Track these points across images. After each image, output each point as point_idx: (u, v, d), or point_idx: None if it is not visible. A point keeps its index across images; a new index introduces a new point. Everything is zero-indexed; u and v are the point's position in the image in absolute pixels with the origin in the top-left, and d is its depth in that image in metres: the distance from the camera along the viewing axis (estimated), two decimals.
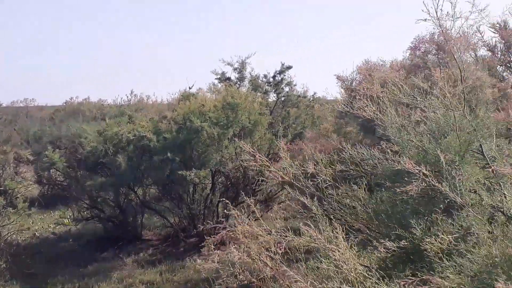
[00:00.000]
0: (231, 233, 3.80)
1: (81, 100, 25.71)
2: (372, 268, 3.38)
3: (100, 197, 12.80)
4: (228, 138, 12.15)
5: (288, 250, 4.00)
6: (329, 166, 3.94)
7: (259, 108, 12.71)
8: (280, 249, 3.88)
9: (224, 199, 9.96)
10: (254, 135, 12.42)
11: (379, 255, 3.63)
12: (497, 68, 9.12)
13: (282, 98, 14.91)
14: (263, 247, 4.03)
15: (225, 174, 12.67)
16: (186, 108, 12.16)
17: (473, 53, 8.43)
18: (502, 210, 3.38)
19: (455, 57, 3.61)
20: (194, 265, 4.13)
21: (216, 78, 14.36)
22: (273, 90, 14.76)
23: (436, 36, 8.14)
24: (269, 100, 14.88)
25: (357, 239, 3.67)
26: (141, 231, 13.36)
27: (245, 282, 4.08)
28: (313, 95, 16.47)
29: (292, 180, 3.91)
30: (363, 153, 3.83)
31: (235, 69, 14.18)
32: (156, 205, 13.63)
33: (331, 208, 3.79)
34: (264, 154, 9.42)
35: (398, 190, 3.33)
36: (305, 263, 3.53)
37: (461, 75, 3.58)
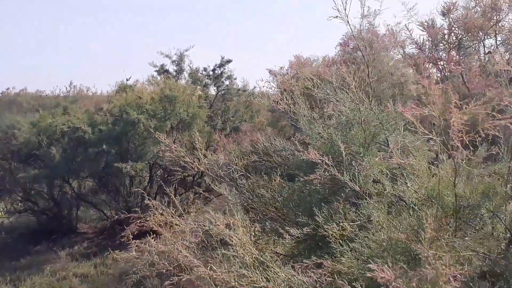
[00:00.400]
0: (145, 222, 3.85)
1: (17, 91, 24.78)
2: (280, 254, 3.52)
3: (33, 189, 12.50)
4: (166, 130, 12.11)
5: (205, 239, 4.08)
6: (242, 157, 4.06)
7: (197, 101, 12.72)
8: (196, 238, 3.96)
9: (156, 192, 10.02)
10: (192, 128, 12.41)
11: (290, 242, 3.77)
12: (425, 65, 9.48)
13: (222, 92, 14.97)
14: (180, 236, 4.10)
15: (162, 166, 12.63)
16: (123, 100, 12.05)
17: (401, 50, 8.75)
18: (403, 199, 3.58)
19: (363, 54, 3.79)
20: (112, 255, 4.13)
21: (155, 71, 14.29)
22: (213, 84, 14.81)
23: (363, 34, 8.40)
24: (209, 93, 14.93)
25: (269, 227, 3.80)
26: (76, 224, 13.15)
27: (163, 270, 4.14)
28: (253, 89, 16.63)
29: (206, 170, 4.01)
30: (276, 145, 3.97)
31: (173, 61, 14.15)
32: (92, 198, 13.43)
33: (244, 197, 3.90)
34: (203, 147, 9.48)
35: (302, 179, 3.48)
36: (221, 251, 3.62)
37: (368, 71, 3.75)
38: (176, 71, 14.16)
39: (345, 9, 3.68)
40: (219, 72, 14.65)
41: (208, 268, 2.84)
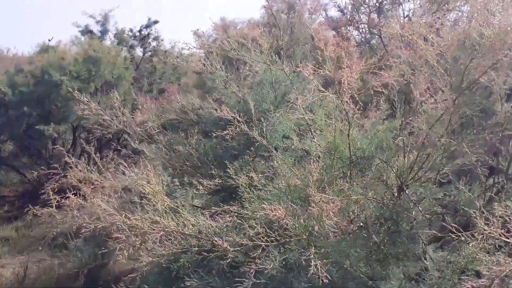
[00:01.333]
0: (65, 179, 4.00)
1: None
2: (198, 207, 3.79)
3: None
4: (90, 92, 11.98)
5: (124, 195, 4.29)
6: (160, 115, 4.26)
7: (123, 63, 12.62)
8: (115, 193, 4.16)
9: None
10: (118, 90, 12.33)
11: (205, 195, 4.05)
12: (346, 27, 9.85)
13: (149, 53, 14.86)
14: (100, 192, 4.27)
15: (87, 129, 12.52)
16: (45, 61, 11.77)
17: (324, 13, 9.10)
18: (309, 152, 3.92)
19: (275, 17, 4.05)
20: (32, 211, 4.25)
21: (79, 31, 13.95)
22: (140, 45, 14.67)
23: None
24: (136, 55, 14.78)
25: (186, 181, 4.06)
26: None
27: (83, 223, 4.32)
28: (181, 50, 16.51)
29: (125, 128, 4.18)
30: (193, 104, 4.20)
31: (97, 21, 13.87)
32: (13, 161, 13.14)
33: (161, 154, 4.13)
34: (129, 109, 9.52)
35: (214, 134, 3.75)
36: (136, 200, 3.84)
37: (280, 33, 4.03)
38: (100, 31, 13.90)
39: None
40: (146, 33, 14.52)
41: (123, 216, 3.07)
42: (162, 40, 15.07)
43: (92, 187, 4.29)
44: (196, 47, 4.10)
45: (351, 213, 3.07)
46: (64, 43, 13.35)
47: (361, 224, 3.36)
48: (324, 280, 2.95)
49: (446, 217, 3.63)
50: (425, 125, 3.35)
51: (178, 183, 4.23)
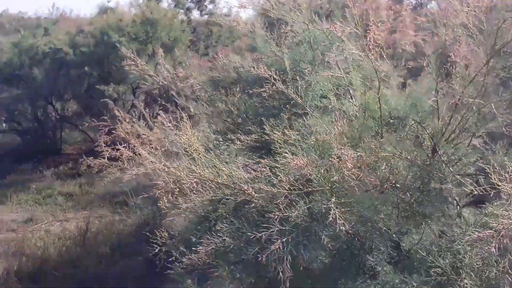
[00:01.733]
0: (114, 131, 4.28)
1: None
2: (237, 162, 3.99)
3: (16, 110, 12.88)
4: (148, 54, 12.39)
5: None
6: (202, 73, 4.46)
7: (180, 25, 12.91)
8: (162, 146, 4.42)
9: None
10: (174, 52, 12.68)
11: (245, 151, 4.25)
12: None
13: (205, 16, 15.12)
14: (147, 145, 4.55)
15: (145, 91, 12.97)
16: (104, 22, 12.24)
17: None
18: (346, 112, 4.03)
19: None
20: (85, 161, 4.56)
21: None
22: (196, 7, 14.92)
23: None
24: (192, 17, 15.06)
25: (228, 136, 4.27)
26: (61, 145, 13.62)
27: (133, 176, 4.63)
28: (237, 13, 16.64)
29: (169, 84, 4.42)
30: (235, 62, 4.37)
31: None
32: (76, 120, 13.83)
33: (203, 109, 4.35)
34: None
35: (251, 91, 3.91)
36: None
37: None
38: None
39: None
40: None
41: (162, 164, 3.33)
42: (219, 3, 15.26)
43: (140, 140, 4.57)
44: (237, 6, 4.22)
45: (380, 170, 3.19)
46: (122, 4, 13.75)
47: (391, 182, 3.46)
48: (348, 231, 3.12)
49: (479, 179, 3.68)
50: (458, 86, 3.39)
51: (221, 139, 4.45)
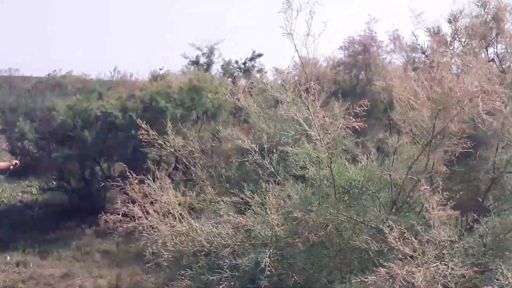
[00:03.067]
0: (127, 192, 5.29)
1: (64, 73, 27.07)
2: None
3: (66, 169, 14.28)
4: (192, 119, 13.61)
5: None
6: (200, 141, 5.46)
7: (224, 93, 14.12)
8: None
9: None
10: (217, 119, 13.84)
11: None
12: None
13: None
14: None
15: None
16: (153, 88, 13.64)
17: (404, 54, 9.84)
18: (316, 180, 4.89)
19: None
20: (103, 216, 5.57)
21: (188, 62, 15.77)
22: (244, 77, 16.16)
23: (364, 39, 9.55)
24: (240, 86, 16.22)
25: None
26: (104, 204, 14.85)
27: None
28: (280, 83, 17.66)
29: (174, 151, 5.44)
30: (228, 132, 5.37)
31: (203, 53, 15.62)
32: (122, 181, 15.01)
33: (201, 174, 5.32)
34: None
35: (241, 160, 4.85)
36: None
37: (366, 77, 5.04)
38: (206, 63, 15.63)
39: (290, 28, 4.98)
40: (250, 65, 16.02)
41: (148, 220, 4.29)
42: (266, 72, 16.48)
43: (150, 200, 5.54)
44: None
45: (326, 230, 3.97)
46: (173, 72, 15.24)
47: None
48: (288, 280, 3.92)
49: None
50: (402, 166, 4.19)
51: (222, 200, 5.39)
